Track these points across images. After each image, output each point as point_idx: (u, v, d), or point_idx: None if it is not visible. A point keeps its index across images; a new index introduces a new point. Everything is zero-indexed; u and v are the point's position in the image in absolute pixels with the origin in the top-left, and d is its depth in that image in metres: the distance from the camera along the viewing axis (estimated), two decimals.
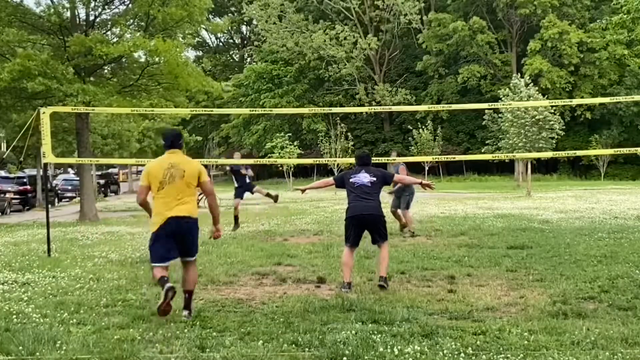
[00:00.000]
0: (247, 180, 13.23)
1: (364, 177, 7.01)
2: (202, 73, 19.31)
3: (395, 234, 11.55)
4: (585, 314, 5.44)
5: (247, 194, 13.39)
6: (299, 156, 41.44)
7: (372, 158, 7.87)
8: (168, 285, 5.44)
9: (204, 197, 6.09)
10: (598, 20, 15.68)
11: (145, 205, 5.88)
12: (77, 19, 18.73)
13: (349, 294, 6.42)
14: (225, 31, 66.22)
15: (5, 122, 23.97)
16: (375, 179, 7.02)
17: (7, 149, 35.87)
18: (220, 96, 40.41)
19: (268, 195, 13.42)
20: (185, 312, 5.63)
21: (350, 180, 7.06)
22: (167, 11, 17.60)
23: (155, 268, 5.66)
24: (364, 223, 6.97)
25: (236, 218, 13.14)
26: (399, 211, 12.02)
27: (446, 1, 50.95)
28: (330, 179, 7.80)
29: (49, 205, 12.57)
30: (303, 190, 8.13)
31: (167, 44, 16.63)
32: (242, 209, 13.64)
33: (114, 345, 4.66)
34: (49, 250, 9.95)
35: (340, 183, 7.29)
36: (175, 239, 5.62)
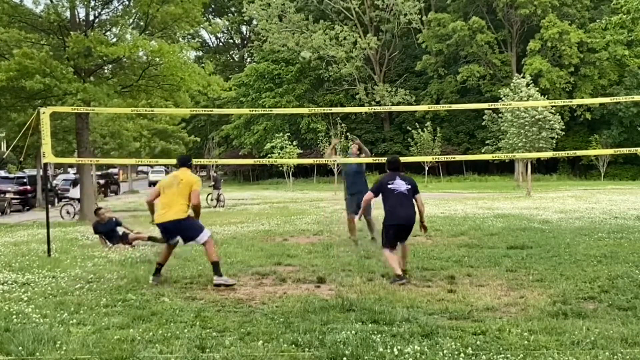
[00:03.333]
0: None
1: (401, 185, 7.32)
2: (204, 73, 19.18)
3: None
4: (585, 314, 5.44)
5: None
6: (299, 156, 41.41)
7: (372, 158, 8.04)
8: None
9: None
10: (598, 20, 15.63)
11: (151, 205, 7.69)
12: (77, 19, 18.71)
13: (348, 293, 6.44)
14: (225, 31, 66.32)
15: (5, 121, 23.94)
16: (410, 186, 7.40)
17: (7, 149, 35.86)
18: (220, 96, 40.29)
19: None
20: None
21: (389, 187, 7.32)
22: (166, 10, 17.58)
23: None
24: (403, 229, 7.34)
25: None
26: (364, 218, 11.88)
27: (446, 1, 50.92)
28: (370, 194, 7.63)
29: (49, 205, 12.56)
30: (360, 217, 8.07)
31: (171, 47, 16.61)
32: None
33: (114, 345, 4.66)
34: (49, 250, 9.94)
35: (378, 193, 7.46)
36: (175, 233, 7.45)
